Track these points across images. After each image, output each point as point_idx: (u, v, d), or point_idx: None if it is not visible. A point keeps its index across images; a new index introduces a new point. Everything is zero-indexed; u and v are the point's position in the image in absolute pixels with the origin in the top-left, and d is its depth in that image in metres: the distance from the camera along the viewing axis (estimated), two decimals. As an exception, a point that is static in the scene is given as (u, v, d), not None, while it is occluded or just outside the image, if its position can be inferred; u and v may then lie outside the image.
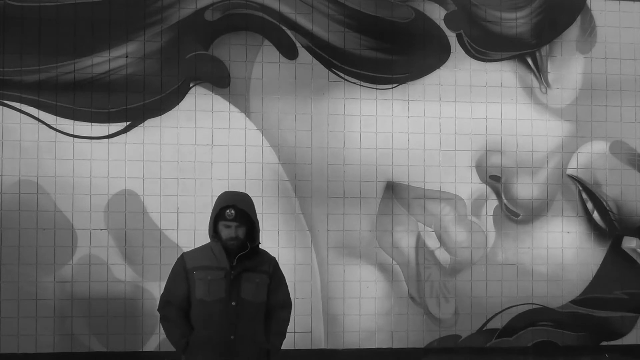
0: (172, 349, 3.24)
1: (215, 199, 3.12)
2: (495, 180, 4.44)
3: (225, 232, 2.99)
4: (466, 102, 4.43)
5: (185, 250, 3.29)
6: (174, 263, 3.15)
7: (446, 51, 4.43)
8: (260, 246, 3.15)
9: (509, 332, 4.43)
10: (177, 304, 3.05)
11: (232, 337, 2.99)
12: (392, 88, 4.37)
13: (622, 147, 4.57)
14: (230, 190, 3.26)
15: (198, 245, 3.27)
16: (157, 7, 4.18)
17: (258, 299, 3.05)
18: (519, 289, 4.44)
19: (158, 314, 3.13)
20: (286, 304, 3.22)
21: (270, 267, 3.14)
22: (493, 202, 4.43)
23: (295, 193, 4.26)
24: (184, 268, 3.06)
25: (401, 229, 4.34)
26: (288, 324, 3.24)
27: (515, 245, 4.45)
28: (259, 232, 3.10)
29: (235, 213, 2.97)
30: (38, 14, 4.07)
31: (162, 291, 3.14)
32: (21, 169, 4.03)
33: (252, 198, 3.11)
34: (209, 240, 3.11)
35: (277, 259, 3.20)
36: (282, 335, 3.19)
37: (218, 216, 3.01)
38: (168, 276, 3.13)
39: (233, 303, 2.98)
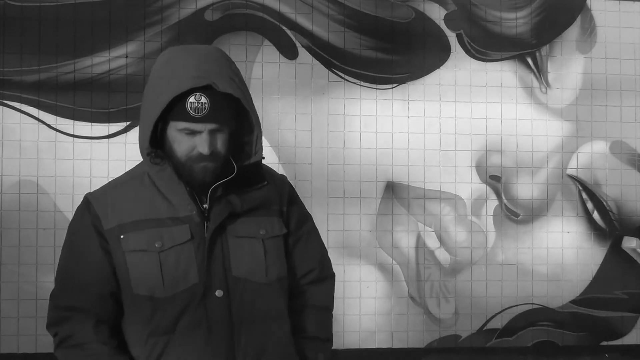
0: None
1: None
2: (495, 180, 4.44)
3: (187, 145, 1.50)
4: (466, 102, 4.42)
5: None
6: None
7: (446, 51, 4.43)
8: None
9: (509, 332, 4.43)
10: (94, 312, 1.53)
11: None
12: (392, 88, 4.36)
13: (622, 147, 4.57)
14: (185, 45, 1.69)
15: None
16: (157, 7, 4.18)
17: (273, 271, 1.59)
18: (519, 289, 4.44)
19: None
20: (325, 270, 1.77)
21: (282, 198, 1.67)
22: (493, 202, 4.43)
23: (295, 193, 4.25)
24: (97, 230, 1.54)
25: (401, 229, 4.34)
26: (332, 311, 1.80)
27: (515, 245, 4.45)
28: (259, 133, 1.58)
29: (210, 102, 1.46)
30: (38, 14, 4.07)
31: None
32: (21, 169, 4.03)
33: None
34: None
35: None
36: (328, 341, 1.82)
37: (171, 111, 1.48)
38: (61, 251, 1.63)
39: (218, 293, 1.51)
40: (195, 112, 1.45)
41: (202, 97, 1.46)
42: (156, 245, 1.51)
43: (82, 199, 1.63)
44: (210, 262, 1.52)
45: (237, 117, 1.55)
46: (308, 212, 1.78)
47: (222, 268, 1.53)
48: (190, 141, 1.50)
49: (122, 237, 1.52)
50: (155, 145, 1.54)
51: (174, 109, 1.47)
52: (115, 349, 1.54)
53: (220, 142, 1.51)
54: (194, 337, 1.51)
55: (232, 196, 1.57)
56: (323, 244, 1.80)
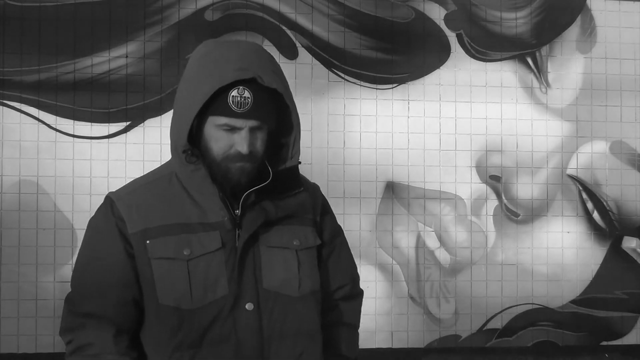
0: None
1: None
2: (495, 180, 4.44)
3: (224, 143, 1.40)
4: (466, 102, 4.42)
5: None
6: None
7: (446, 51, 4.43)
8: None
9: (509, 332, 4.43)
10: (114, 320, 1.43)
11: None
12: (392, 88, 4.36)
13: (622, 147, 4.57)
14: (224, 39, 1.57)
15: None
16: (157, 7, 4.18)
17: (306, 285, 1.50)
18: (519, 289, 4.44)
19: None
20: (356, 287, 1.69)
21: (316, 208, 1.62)
22: (493, 202, 4.43)
23: (295, 193, 4.25)
24: (121, 232, 1.45)
25: (401, 229, 4.34)
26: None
27: (515, 245, 4.45)
28: (298, 135, 1.54)
29: (253, 97, 1.37)
30: (38, 14, 4.07)
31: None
32: (21, 169, 4.03)
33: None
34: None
35: None
36: (356, 355, 1.66)
37: (210, 106, 1.38)
38: (79, 253, 1.56)
39: (248, 306, 1.43)
40: (237, 107, 1.36)
41: (246, 91, 1.36)
42: (185, 253, 1.41)
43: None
44: (241, 272, 1.42)
45: (276, 117, 1.46)
46: (339, 224, 1.71)
47: (253, 279, 1.43)
48: (229, 139, 1.39)
49: (148, 242, 1.42)
50: (189, 143, 1.42)
51: (214, 103, 1.37)
52: None
53: (260, 142, 1.42)
54: (221, 352, 1.41)
55: (265, 202, 1.47)
56: (354, 259, 1.72)
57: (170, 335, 1.41)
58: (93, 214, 1.57)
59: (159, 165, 1.58)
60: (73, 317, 1.46)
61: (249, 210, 1.45)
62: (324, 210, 1.64)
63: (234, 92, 1.35)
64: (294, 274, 1.47)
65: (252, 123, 1.39)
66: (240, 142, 1.38)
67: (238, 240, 1.43)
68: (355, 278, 1.69)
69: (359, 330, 1.72)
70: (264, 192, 1.46)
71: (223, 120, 1.38)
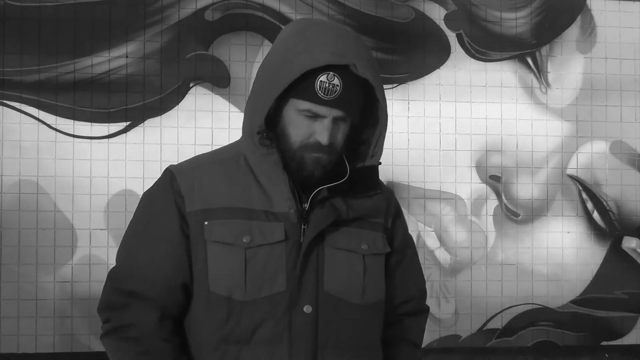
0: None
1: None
2: (495, 180, 4.44)
3: (305, 130, 1.31)
4: (466, 102, 4.42)
5: None
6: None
7: (446, 51, 4.43)
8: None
9: (509, 332, 4.43)
10: (160, 303, 1.34)
11: None
12: (392, 88, 4.36)
13: (622, 147, 4.57)
14: (322, 20, 1.46)
15: None
16: (157, 7, 4.18)
17: (370, 293, 1.40)
18: (519, 289, 4.44)
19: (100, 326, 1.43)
20: (423, 302, 1.61)
21: (388, 213, 1.48)
22: (493, 202, 4.43)
23: (295, 193, 4.25)
24: (179, 210, 1.35)
25: (401, 229, 4.33)
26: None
27: (515, 245, 4.45)
28: (384, 132, 1.39)
29: (342, 86, 1.28)
30: (38, 14, 4.07)
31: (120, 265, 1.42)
32: (21, 169, 4.03)
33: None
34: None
35: None
36: None
37: (294, 88, 1.29)
38: (129, 226, 1.44)
39: (307, 308, 1.33)
40: (324, 93, 1.26)
41: (335, 77, 1.27)
42: (244, 240, 1.31)
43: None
44: (302, 271, 1.31)
45: (362, 110, 1.35)
46: (410, 234, 1.58)
47: (314, 280, 1.32)
48: (310, 126, 1.30)
49: (206, 223, 1.32)
50: (265, 125, 1.32)
51: (299, 85, 1.27)
52: (177, 348, 1.34)
53: (341, 134, 1.33)
54: (271, 353, 1.30)
55: (337, 200, 1.37)
56: (423, 273, 1.60)
57: (217, 326, 1.32)
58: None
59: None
60: (116, 295, 1.36)
61: (319, 206, 1.35)
62: (397, 217, 1.50)
63: (323, 77, 1.26)
64: (359, 279, 1.37)
65: (336, 113, 1.29)
66: (321, 132, 1.29)
67: (303, 236, 1.33)
68: (423, 293, 1.59)
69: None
70: (337, 190, 1.36)
71: (306, 105, 1.29)
